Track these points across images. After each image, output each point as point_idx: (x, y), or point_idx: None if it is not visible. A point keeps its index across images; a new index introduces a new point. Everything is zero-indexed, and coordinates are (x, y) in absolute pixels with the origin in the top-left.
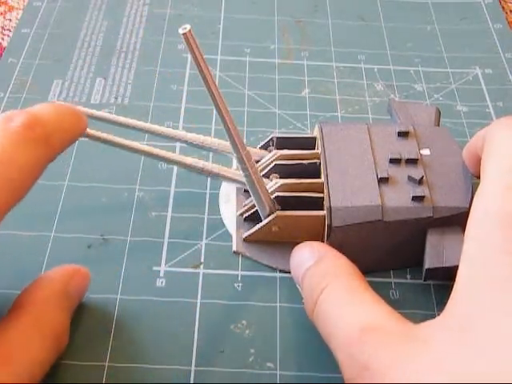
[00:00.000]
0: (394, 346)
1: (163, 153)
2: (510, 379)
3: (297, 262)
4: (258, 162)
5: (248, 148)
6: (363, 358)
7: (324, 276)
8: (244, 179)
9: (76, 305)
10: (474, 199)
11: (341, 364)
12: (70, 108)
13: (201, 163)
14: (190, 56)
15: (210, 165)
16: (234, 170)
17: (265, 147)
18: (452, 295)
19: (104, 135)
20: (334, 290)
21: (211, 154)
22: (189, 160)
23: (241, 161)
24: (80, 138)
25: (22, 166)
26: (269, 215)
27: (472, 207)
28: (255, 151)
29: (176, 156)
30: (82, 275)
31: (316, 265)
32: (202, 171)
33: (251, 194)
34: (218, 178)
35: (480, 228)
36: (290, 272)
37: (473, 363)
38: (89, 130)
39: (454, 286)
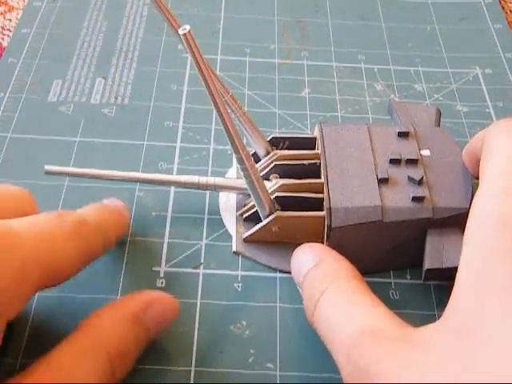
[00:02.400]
0: (394, 351)
1: (158, 176)
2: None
3: (297, 264)
4: (257, 162)
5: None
6: (363, 361)
7: (324, 279)
8: (241, 185)
9: (153, 336)
10: (473, 201)
11: (340, 367)
12: (114, 213)
13: (196, 178)
14: (189, 56)
15: (205, 178)
16: (230, 177)
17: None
18: (451, 299)
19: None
20: (334, 293)
21: (211, 152)
22: (183, 178)
23: (241, 161)
24: (79, 140)
25: (68, 258)
26: (269, 215)
27: (471, 210)
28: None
29: (170, 177)
30: (164, 303)
31: (316, 267)
32: (198, 186)
33: (251, 194)
34: (215, 190)
35: (478, 231)
36: (289, 272)
37: (472, 368)
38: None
39: (453, 289)
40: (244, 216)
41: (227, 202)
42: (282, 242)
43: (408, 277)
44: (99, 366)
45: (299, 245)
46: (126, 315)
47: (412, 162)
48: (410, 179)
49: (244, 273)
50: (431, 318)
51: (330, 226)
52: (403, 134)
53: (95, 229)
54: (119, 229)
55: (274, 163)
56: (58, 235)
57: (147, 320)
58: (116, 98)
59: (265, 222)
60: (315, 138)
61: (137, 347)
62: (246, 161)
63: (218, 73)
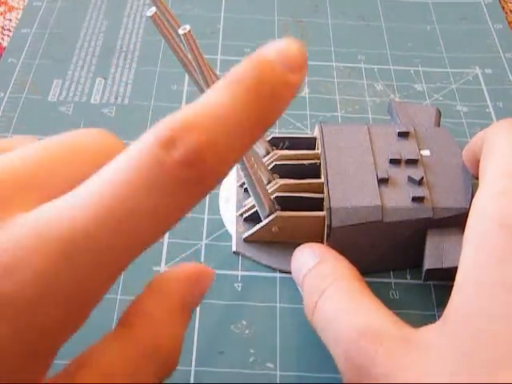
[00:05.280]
0: (394, 351)
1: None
2: None
3: (297, 264)
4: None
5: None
6: (362, 362)
7: (324, 279)
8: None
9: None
10: (473, 202)
11: (340, 367)
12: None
13: None
14: (190, 56)
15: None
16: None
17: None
18: (450, 299)
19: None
20: (334, 293)
21: None
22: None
23: (240, 161)
24: None
25: (159, 221)
26: (269, 215)
27: (470, 210)
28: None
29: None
30: (208, 278)
31: (316, 267)
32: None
33: (251, 194)
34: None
35: (478, 231)
36: (289, 272)
37: (472, 369)
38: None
39: (453, 289)
40: (244, 216)
41: (227, 202)
42: (281, 242)
43: (408, 277)
44: (149, 369)
45: (299, 245)
46: (172, 306)
47: (412, 162)
48: (410, 179)
49: (244, 273)
50: (431, 318)
51: (329, 226)
52: (403, 134)
53: (219, 159)
54: (246, 147)
55: (274, 163)
56: (149, 198)
57: (191, 302)
58: (116, 98)
59: (265, 222)
60: (315, 138)
61: (181, 338)
62: (246, 161)
63: (218, 73)
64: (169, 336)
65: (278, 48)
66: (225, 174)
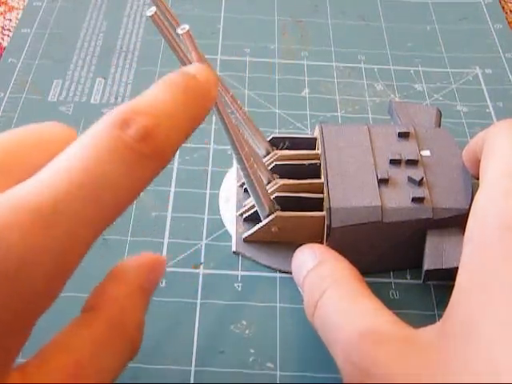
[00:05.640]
0: (394, 352)
1: None
2: None
3: (298, 265)
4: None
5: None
6: (363, 363)
7: (324, 279)
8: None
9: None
10: (474, 202)
11: (341, 368)
12: (202, 96)
13: None
14: (189, 56)
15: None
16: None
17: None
18: (451, 300)
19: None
20: (334, 294)
21: (212, 152)
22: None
23: (240, 161)
24: None
25: (123, 191)
26: (268, 215)
27: (471, 210)
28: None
29: None
30: (162, 266)
31: (316, 268)
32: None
33: (251, 194)
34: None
35: (479, 232)
36: (289, 272)
37: (472, 370)
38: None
39: (454, 290)
40: (244, 216)
41: (227, 202)
42: (281, 242)
43: (408, 277)
44: (118, 352)
45: (299, 245)
46: (133, 290)
47: (412, 163)
48: (410, 180)
49: (244, 273)
50: (431, 318)
51: (329, 226)
52: (403, 135)
53: (170, 136)
54: (199, 119)
55: (274, 163)
56: (117, 166)
57: (149, 287)
58: (116, 98)
59: (264, 222)
60: (315, 139)
61: (143, 320)
62: (245, 161)
63: (218, 73)
64: (133, 319)
65: (199, 69)
66: (172, 153)
